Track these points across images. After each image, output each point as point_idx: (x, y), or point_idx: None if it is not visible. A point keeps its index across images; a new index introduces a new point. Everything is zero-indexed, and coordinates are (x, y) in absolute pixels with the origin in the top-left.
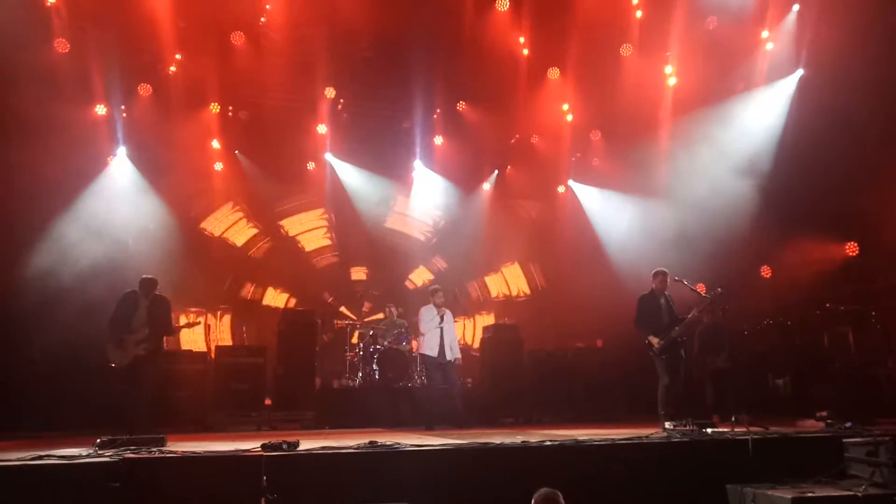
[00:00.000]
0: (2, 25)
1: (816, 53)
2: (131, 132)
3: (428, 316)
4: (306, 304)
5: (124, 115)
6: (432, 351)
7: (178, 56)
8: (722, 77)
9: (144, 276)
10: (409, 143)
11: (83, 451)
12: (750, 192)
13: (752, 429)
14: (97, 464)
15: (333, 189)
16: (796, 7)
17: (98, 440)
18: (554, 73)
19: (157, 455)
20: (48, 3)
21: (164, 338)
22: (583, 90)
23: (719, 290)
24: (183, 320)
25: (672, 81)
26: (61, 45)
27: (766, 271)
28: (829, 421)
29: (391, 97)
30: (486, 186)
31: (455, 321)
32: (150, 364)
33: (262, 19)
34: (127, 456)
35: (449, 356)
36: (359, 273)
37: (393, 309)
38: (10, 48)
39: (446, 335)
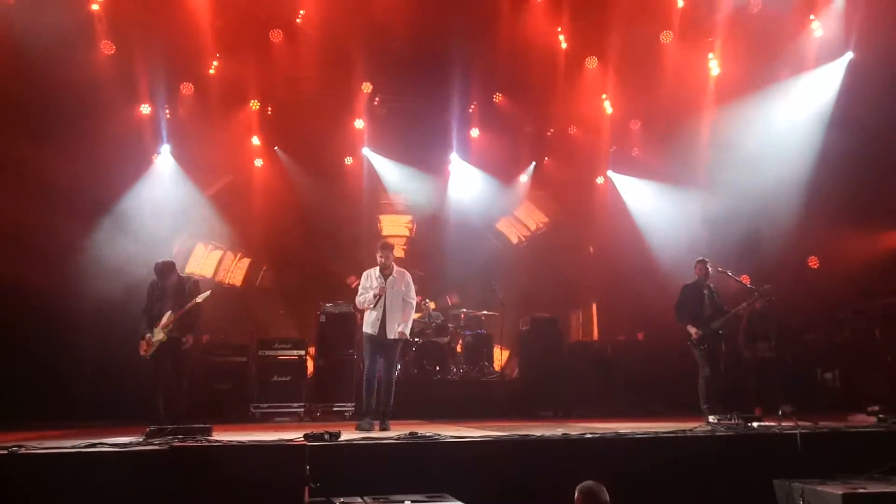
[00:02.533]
0: (50, 29)
1: (867, 36)
2: (175, 130)
3: (365, 283)
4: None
5: (168, 114)
6: (369, 326)
7: (218, 55)
8: (767, 62)
9: (158, 260)
10: (445, 136)
11: (133, 439)
12: (797, 180)
13: (801, 423)
14: (147, 451)
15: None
16: None
17: (147, 429)
18: (592, 63)
19: (203, 444)
20: (92, 8)
21: (193, 317)
22: (622, 79)
23: (767, 286)
24: (200, 297)
25: (714, 68)
26: (107, 48)
27: (814, 262)
28: (881, 416)
29: (427, 90)
30: (524, 178)
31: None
32: (176, 349)
33: (301, 13)
34: (175, 444)
35: (391, 333)
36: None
37: (429, 302)
38: (58, 51)
39: (390, 304)
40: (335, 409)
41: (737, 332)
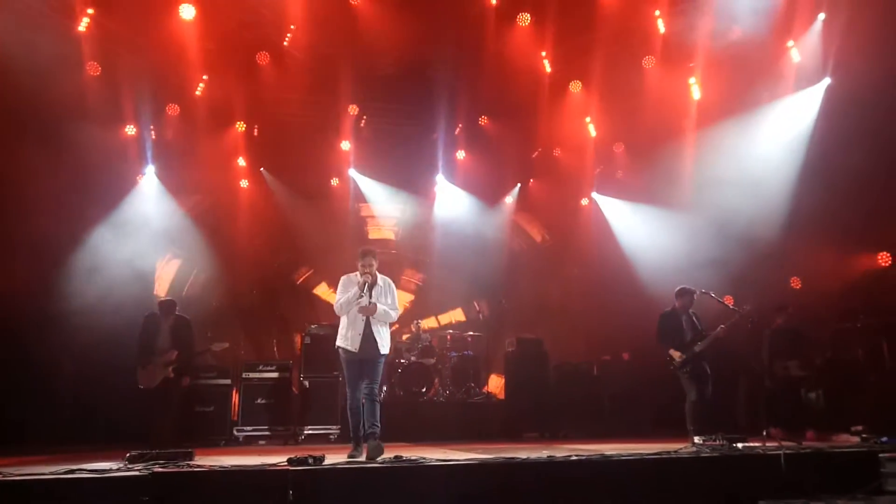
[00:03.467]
0: (36, 49)
1: (843, 62)
2: (160, 151)
3: (347, 286)
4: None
5: (153, 134)
6: (347, 341)
7: (204, 77)
8: (747, 87)
9: (162, 298)
10: (431, 158)
11: (113, 464)
12: (777, 203)
13: (785, 443)
14: (127, 477)
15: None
16: (822, 16)
17: (128, 454)
18: (576, 87)
19: (185, 469)
20: (79, 29)
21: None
22: (605, 103)
23: (747, 307)
24: (216, 345)
25: (696, 92)
26: (93, 69)
27: (795, 283)
28: (864, 435)
29: (413, 113)
30: (509, 200)
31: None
32: (179, 385)
33: (288, 36)
34: (156, 470)
35: (383, 349)
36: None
37: (420, 322)
38: (44, 71)
39: (373, 317)
40: (320, 431)
41: (760, 346)
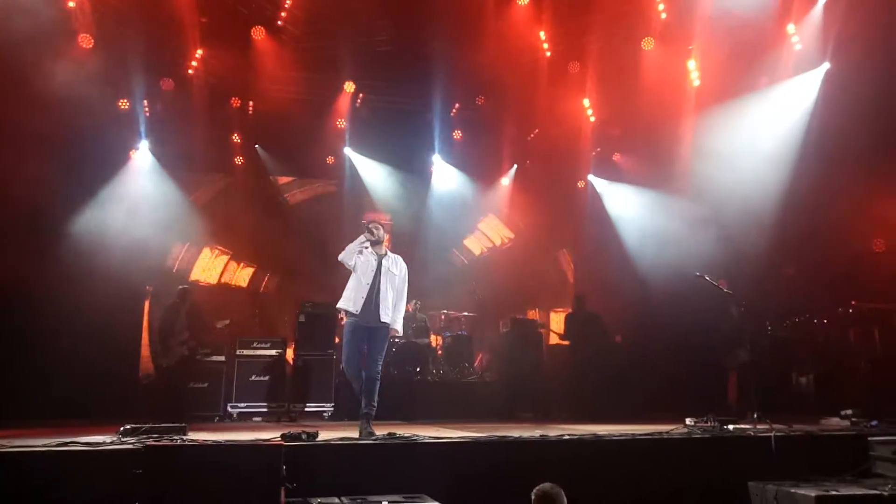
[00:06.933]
0: (27, 20)
1: (843, 47)
2: (153, 126)
3: (354, 247)
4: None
5: (146, 109)
6: (350, 303)
7: (199, 51)
8: (746, 71)
9: (181, 286)
10: (427, 138)
11: (107, 438)
12: (774, 187)
13: (775, 426)
14: (120, 450)
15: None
16: None
17: (121, 428)
18: (574, 68)
19: (178, 443)
20: (69, 5)
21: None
22: (603, 84)
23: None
24: (219, 323)
25: (694, 75)
26: (85, 41)
27: (790, 268)
28: (854, 419)
29: (410, 91)
30: (505, 181)
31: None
32: (193, 361)
33: (284, 11)
34: (149, 443)
35: (384, 317)
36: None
37: (417, 303)
38: (35, 43)
39: (384, 284)
40: (314, 409)
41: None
